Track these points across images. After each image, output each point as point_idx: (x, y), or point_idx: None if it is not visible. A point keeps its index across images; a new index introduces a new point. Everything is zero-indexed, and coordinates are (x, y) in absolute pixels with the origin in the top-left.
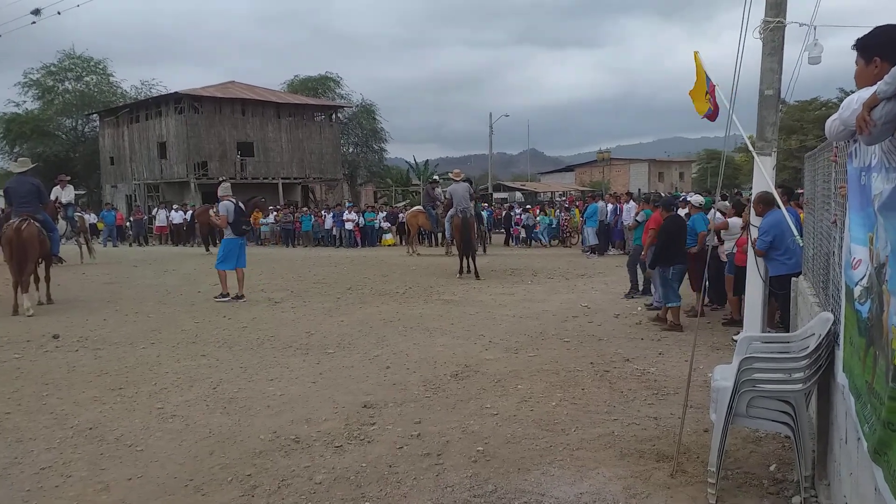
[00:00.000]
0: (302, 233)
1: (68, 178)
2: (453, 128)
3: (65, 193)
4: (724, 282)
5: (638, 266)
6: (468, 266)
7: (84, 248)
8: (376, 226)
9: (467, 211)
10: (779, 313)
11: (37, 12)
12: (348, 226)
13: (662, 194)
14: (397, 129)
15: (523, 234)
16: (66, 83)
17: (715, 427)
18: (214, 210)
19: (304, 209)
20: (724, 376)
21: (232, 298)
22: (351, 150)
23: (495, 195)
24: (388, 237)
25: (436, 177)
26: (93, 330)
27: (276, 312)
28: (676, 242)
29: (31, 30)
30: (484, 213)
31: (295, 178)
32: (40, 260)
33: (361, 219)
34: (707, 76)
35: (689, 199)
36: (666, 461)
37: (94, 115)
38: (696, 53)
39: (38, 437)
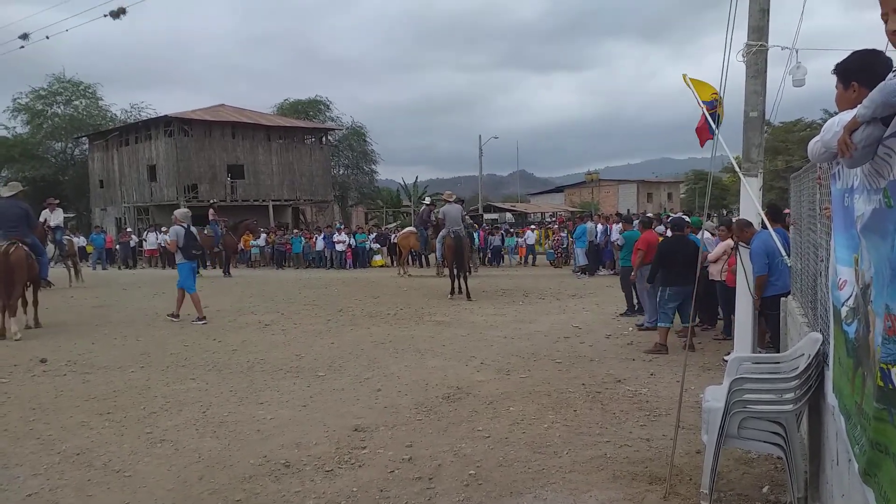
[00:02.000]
0: (292, 254)
1: (57, 201)
2: (443, 149)
3: (53, 217)
4: (714, 302)
5: (632, 286)
6: (459, 287)
7: (72, 271)
8: (367, 247)
9: (459, 232)
10: (768, 334)
11: (25, 37)
12: (339, 247)
13: (650, 215)
14: (387, 150)
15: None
16: (56, 107)
17: (707, 448)
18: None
19: (295, 231)
20: (715, 397)
21: (170, 316)
22: (341, 171)
23: (486, 216)
24: (379, 258)
25: (428, 198)
26: (81, 354)
27: (266, 335)
28: (674, 263)
29: (20, 54)
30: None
31: (285, 200)
32: (28, 284)
33: (352, 240)
34: (698, 97)
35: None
36: (659, 483)
37: (84, 139)
38: (684, 76)
39: (24, 462)
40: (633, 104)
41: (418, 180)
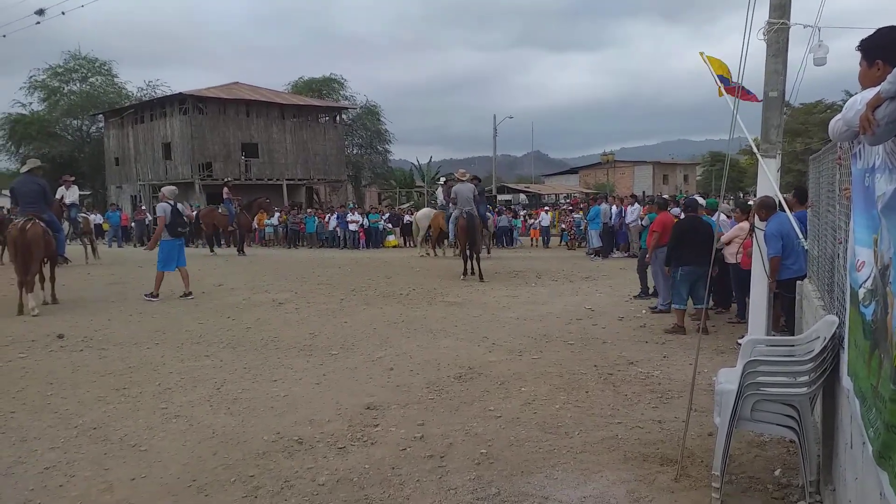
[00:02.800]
0: (306, 234)
1: (73, 178)
2: (457, 129)
3: (69, 194)
4: (729, 284)
5: (646, 268)
6: (472, 268)
7: (89, 248)
8: (380, 227)
9: (472, 211)
10: (783, 318)
11: (41, 12)
12: (352, 227)
13: (666, 196)
14: (401, 130)
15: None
16: (72, 84)
17: (719, 431)
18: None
19: (309, 210)
20: (728, 379)
21: (182, 296)
22: (355, 151)
23: (499, 197)
24: (392, 238)
25: (443, 178)
26: (97, 330)
27: (280, 313)
28: (689, 243)
29: (36, 31)
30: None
31: (299, 180)
32: (45, 260)
33: (366, 220)
34: (716, 74)
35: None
36: (670, 465)
37: (100, 116)
38: (701, 54)
39: (42, 436)
40: (650, 85)
41: (432, 160)
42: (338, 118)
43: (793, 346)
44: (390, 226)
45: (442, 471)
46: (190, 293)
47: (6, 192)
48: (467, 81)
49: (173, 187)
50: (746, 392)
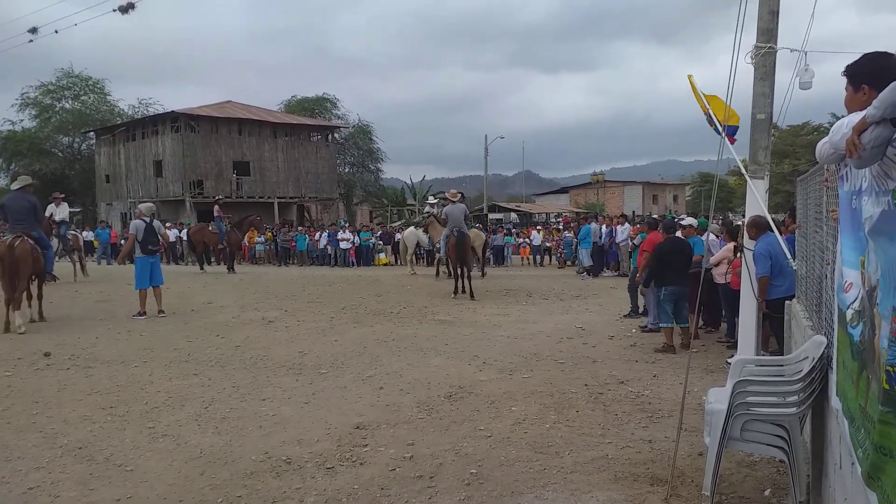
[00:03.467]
0: (297, 252)
1: (63, 195)
2: (450, 149)
3: (59, 211)
4: (718, 304)
5: (637, 288)
6: (463, 286)
7: (77, 265)
8: (371, 245)
9: (462, 230)
10: (772, 337)
11: (34, 31)
12: (343, 245)
13: (656, 216)
14: (394, 149)
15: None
16: (64, 102)
17: (709, 450)
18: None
19: (300, 228)
20: (718, 399)
21: (154, 314)
22: (347, 169)
23: (490, 216)
24: (383, 256)
25: (433, 198)
26: (84, 348)
27: (269, 332)
28: (671, 264)
29: (29, 48)
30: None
31: (291, 198)
32: (33, 277)
33: (357, 238)
34: (703, 99)
35: (682, 221)
36: (660, 485)
37: (91, 134)
38: (689, 77)
39: (26, 455)
40: (641, 105)
41: (424, 179)
42: (330, 137)
43: (782, 366)
44: (381, 243)
45: (431, 491)
46: (161, 311)
47: None
48: (462, 101)
49: (150, 204)
50: (736, 412)
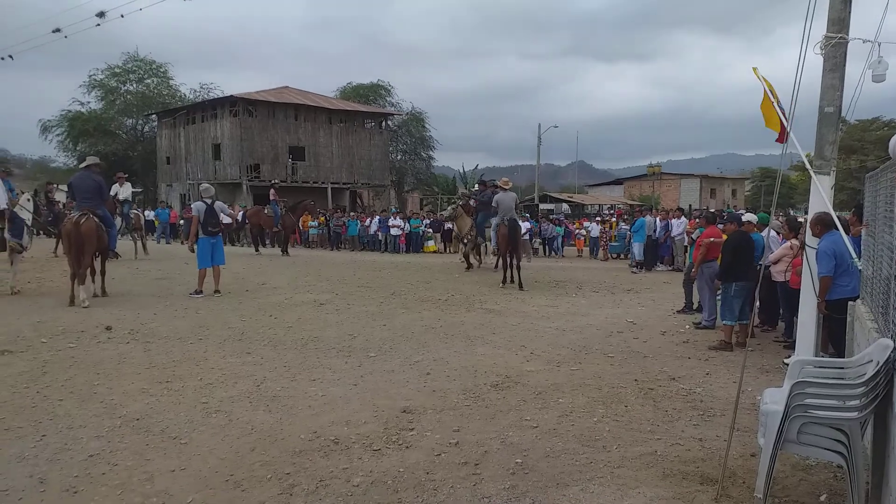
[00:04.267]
0: (348, 236)
1: (126, 175)
2: (502, 138)
3: (122, 190)
4: (776, 303)
5: (692, 283)
6: (511, 276)
7: (138, 244)
8: (421, 232)
9: (514, 219)
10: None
11: (101, 15)
12: (394, 231)
13: (713, 210)
14: (446, 137)
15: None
16: (129, 84)
17: (763, 452)
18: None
19: (352, 214)
20: (774, 400)
21: (209, 293)
22: (399, 157)
23: (541, 206)
24: (431, 244)
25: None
26: (143, 323)
27: (320, 314)
28: (741, 259)
29: (96, 32)
30: (527, 224)
31: (344, 183)
32: (97, 254)
33: (407, 225)
34: (770, 91)
35: (741, 216)
36: (710, 484)
37: (153, 116)
38: (755, 69)
39: (87, 424)
40: (700, 97)
41: (477, 168)
42: (383, 124)
43: (843, 368)
44: (431, 231)
45: (476, 478)
46: (217, 291)
47: (64, 187)
48: (515, 90)
49: (209, 186)
50: (793, 413)
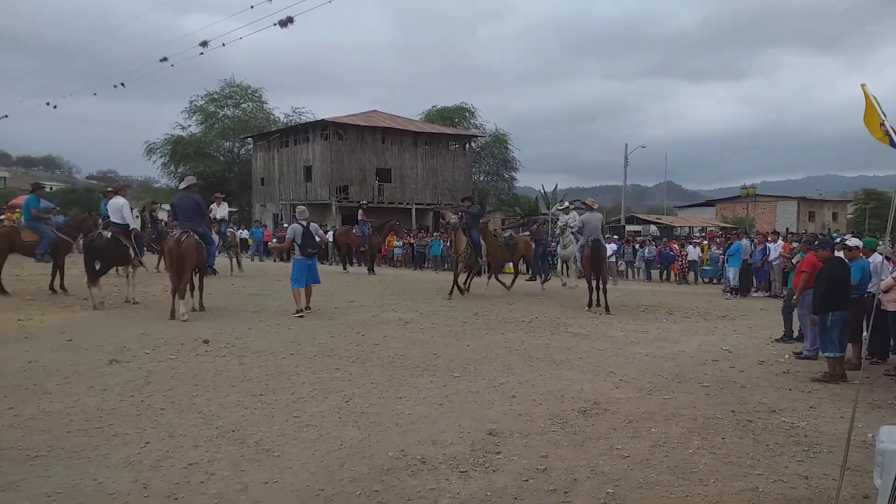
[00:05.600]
0: (431, 256)
1: (223, 195)
2: (586, 158)
3: (219, 210)
4: (887, 333)
5: (792, 311)
6: (598, 299)
7: (234, 261)
8: None
9: (599, 240)
10: None
11: (204, 44)
12: None
13: (819, 234)
14: (528, 158)
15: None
16: (226, 109)
17: (880, 494)
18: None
19: (435, 234)
20: (891, 439)
21: (301, 311)
22: (482, 177)
23: (628, 227)
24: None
25: (566, 202)
26: (238, 337)
27: (405, 332)
28: (838, 287)
29: (199, 60)
30: (613, 246)
31: (427, 204)
32: (196, 270)
33: None
34: (878, 105)
35: (846, 241)
36: None
37: (249, 139)
38: (863, 86)
39: (187, 433)
40: (796, 116)
41: (557, 188)
42: (467, 146)
43: None
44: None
45: None
46: (308, 308)
47: (166, 206)
48: (599, 111)
49: (304, 209)
50: None
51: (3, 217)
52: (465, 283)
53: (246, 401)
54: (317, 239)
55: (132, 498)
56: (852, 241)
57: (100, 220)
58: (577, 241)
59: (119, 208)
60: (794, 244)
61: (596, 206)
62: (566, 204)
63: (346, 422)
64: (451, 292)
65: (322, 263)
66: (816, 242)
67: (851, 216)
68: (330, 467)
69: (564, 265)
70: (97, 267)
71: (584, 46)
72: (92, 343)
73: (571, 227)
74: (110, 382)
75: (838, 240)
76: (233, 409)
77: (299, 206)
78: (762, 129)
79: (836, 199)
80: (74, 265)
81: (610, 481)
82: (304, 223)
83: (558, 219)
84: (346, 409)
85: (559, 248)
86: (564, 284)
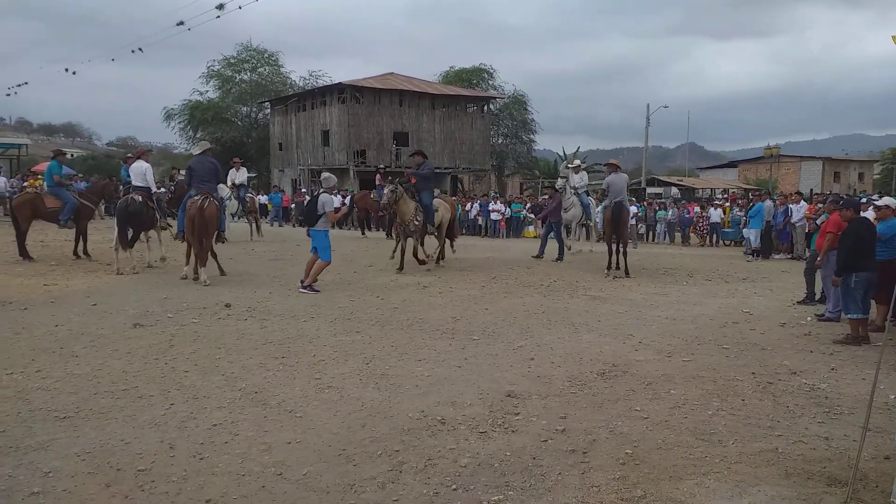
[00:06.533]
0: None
1: (241, 161)
2: (606, 119)
3: (238, 175)
4: None
5: (814, 272)
6: (617, 262)
7: (254, 226)
8: (521, 217)
9: (622, 202)
10: None
11: (221, 7)
12: (494, 216)
13: (843, 195)
14: (547, 119)
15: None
16: (243, 74)
17: None
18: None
19: (453, 199)
20: None
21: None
22: (500, 140)
23: (649, 190)
24: (531, 229)
25: (577, 161)
26: (259, 301)
27: (424, 296)
28: (862, 247)
29: (215, 24)
30: (634, 209)
31: (445, 168)
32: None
33: (508, 210)
34: None
35: (875, 201)
36: (838, 486)
37: (266, 104)
38: (895, 38)
39: (211, 395)
40: (823, 74)
41: (579, 150)
42: (485, 108)
43: None
44: (532, 216)
45: (585, 466)
46: (302, 282)
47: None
48: (620, 70)
49: (330, 175)
50: None
51: (26, 184)
52: (424, 251)
53: (268, 363)
54: (335, 202)
55: (159, 458)
56: (884, 201)
57: (120, 186)
58: (583, 202)
59: (143, 172)
60: (819, 205)
61: (622, 168)
62: (577, 162)
63: (367, 383)
64: (422, 262)
65: (340, 228)
66: (842, 202)
67: (878, 176)
68: (351, 428)
69: (565, 229)
70: (129, 233)
71: (605, 2)
72: (116, 307)
73: (577, 189)
74: (135, 346)
75: (864, 200)
76: (255, 371)
77: (324, 174)
78: (787, 88)
79: (862, 158)
80: (97, 230)
81: (629, 442)
82: (334, 191)
83: (567, 178)
84: (366, 371)
85: (561, 212)
86: (569, 248)
